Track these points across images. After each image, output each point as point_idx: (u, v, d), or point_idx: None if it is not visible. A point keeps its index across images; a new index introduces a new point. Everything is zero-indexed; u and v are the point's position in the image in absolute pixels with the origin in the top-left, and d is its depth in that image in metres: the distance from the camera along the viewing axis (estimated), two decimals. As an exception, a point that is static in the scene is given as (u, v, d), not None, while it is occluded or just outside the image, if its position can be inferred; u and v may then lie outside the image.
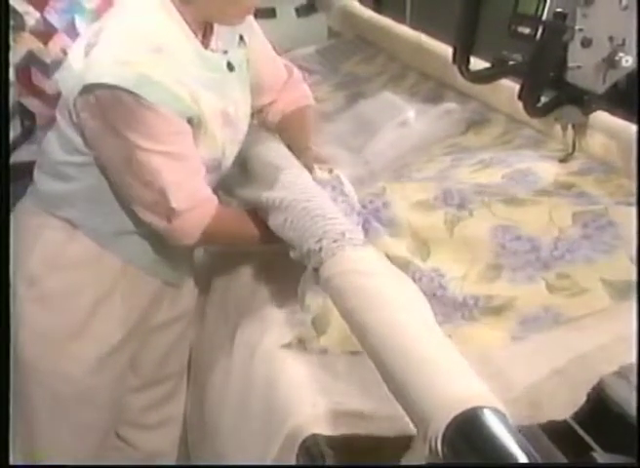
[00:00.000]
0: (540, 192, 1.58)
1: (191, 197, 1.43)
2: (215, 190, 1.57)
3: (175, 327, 1.76)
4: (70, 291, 1.57)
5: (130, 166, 1.39)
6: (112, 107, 1.34)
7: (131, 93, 1.32)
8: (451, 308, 1.35)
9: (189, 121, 1.42)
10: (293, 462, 1.17)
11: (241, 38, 1.61)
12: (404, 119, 2.04)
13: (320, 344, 1.31)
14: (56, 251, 1.56)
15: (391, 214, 1.49)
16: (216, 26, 1.53)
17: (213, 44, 1.53)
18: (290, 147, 1.62)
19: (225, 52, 1.56)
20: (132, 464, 1.83)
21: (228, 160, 1.57)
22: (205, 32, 1.52)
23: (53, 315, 1.57)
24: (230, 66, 1.56)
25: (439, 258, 1.43)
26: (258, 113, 1.73)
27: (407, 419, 1.01)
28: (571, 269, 1.37)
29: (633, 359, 1.16)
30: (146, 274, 1.63)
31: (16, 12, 2.43)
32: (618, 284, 1.33)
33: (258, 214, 1.48)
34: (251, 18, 1.62)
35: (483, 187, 1.58)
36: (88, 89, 1.35)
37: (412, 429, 1.00)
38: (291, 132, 1.71)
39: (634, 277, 1.32)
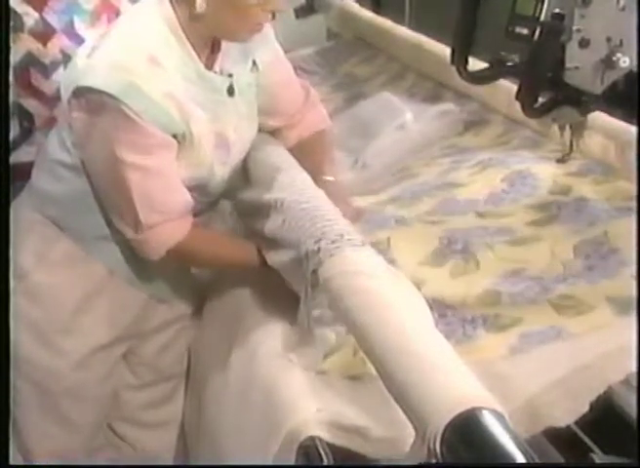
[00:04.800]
0: (541, 206, 1.59)
1: (160, 213, 1.42)
2: (201, 211, 1.58)
3: (173, 328, 1.76)
4: (57, 287, 1.58)
5: (106, 172, 1.40)
6: (99, 112, 1.35)
7: (117, 100, 1.32)
8: (457, 325, 1.35)
9: (174, 136, 1.41)
10: (292, 462, 1.17)
11: (254, 63, 1.58)
12: (402, 122, 2.04)
13: (322, 367, 1.31)
14: (44, 247, 1.57)
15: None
16: (224, 46, 1.51)
17: (217, 65, 1.51)
18: (310, 174, 1.57)
19: (230, 75, 1.53)
20: (130, 464, 1.83)
21: (218, 181, 1.56)
22: (212, 51, 1.50)
23: (40, 309, 1.58)
24: (230, 91, 1.53)
25: (434, 288, 1.42)
26: (273, 135, 1.71)
27: (405, 442, 1.01)
28: (574, 290, 1.38)
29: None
30: (131, 286, 1.63)
31: (15, 12, 2.42)
32: (622, 300, 1.33)
33: (236, 239, 1.57)
34: (273, 40, 1.62)
35: (485, 220, 1.59)
36: (80, 91, 1.36)
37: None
38: (310, 157, 1.68)
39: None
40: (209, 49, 1.49)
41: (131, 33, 1.42)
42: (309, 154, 1.69)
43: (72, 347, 1.60)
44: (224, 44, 1.51)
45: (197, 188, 1.51)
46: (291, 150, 1.66)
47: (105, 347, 1.64)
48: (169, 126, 1.39)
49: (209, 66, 1.49)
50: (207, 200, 1.60)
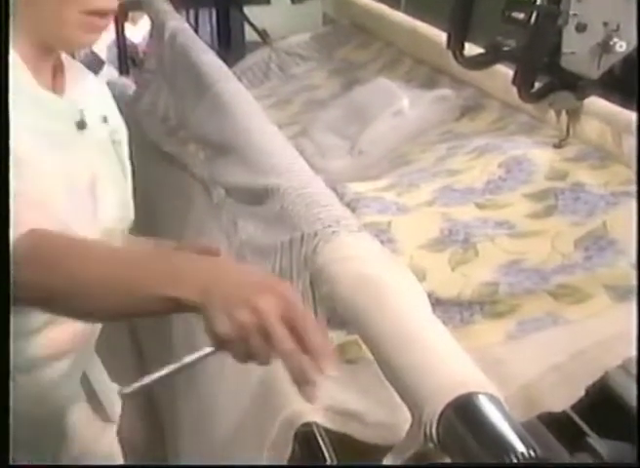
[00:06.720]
0: (538, 196, 1.59)
1: None
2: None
3: None
4: None
5: None
6: None
7: None
8: (454, 312, 1.35)
9: None
10: (289, 449, 1.17)
11: (105, 117, 1.32)
12: (398, 108, 2.04)
13: None
14: None
15: (394, 248, 1.48)
16: (70, 75, 1.28)
17: (66, 92, 1.25)
18: None
19: (81, 110, 1.25)
20: (130, 464, 1.82)
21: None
22: (55, 74, 1.24)
23: None
24: (81, 125, 1.24)
25: (433, 283, 1.41)
26: None
27: (401, 427, 1.01)
28: (571, 279, 1.37)
29: (634, 352, 1.16)
30: None
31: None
32: (620, 288, 1.33)
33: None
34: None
35: (484, 211, 1.58)
36: None
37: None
38: None
39: (635, 281, 1.32)
40: (42, 63, 1.21)
41: None
42: None
43: None
44: (70, 73, 1.28)
45: None
46: None
47: None
48: None
49: (57, 91, 1.24)
50: None
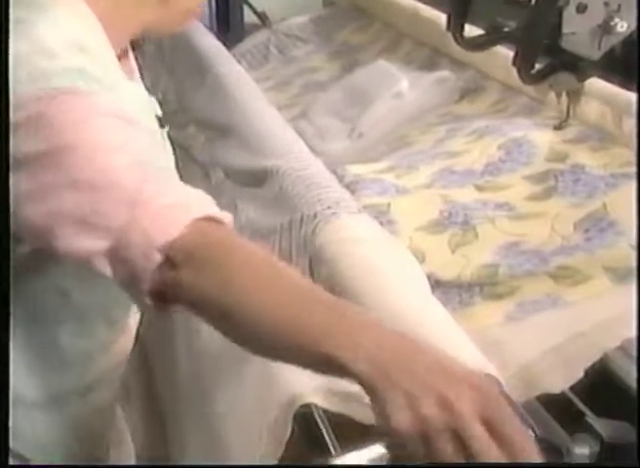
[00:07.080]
0: (538, 178, 1.58)
1: None
2: None
3: None
4: None
5: None
6: None
7: None
8: (454, 294, 1.35)
9: None
10: (288, 430, 1.17)
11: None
12: (398, 90, 2.03)
13: None
14: None
15: (393, 229, 1.48)
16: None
17: (136, 79, 1.15)
18: None
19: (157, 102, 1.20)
20: (130, 465, 1.82)
21: None
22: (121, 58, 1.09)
23: None
24: (162, 122, 1.18)
25: (432, 265, 1.40)
26: None
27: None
28: (571, 260, 1.37)
29: (633, 334, 1.16)
30: None
31: None
32: (619, 270, 1.32)
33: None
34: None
35: (484, 193, 1.58)
36: None
37: None
38: None
39: (635, 262, 1.32)
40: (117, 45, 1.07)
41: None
42: None
43: None
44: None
45: None
46: None
47: None
48: None
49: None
50: None
